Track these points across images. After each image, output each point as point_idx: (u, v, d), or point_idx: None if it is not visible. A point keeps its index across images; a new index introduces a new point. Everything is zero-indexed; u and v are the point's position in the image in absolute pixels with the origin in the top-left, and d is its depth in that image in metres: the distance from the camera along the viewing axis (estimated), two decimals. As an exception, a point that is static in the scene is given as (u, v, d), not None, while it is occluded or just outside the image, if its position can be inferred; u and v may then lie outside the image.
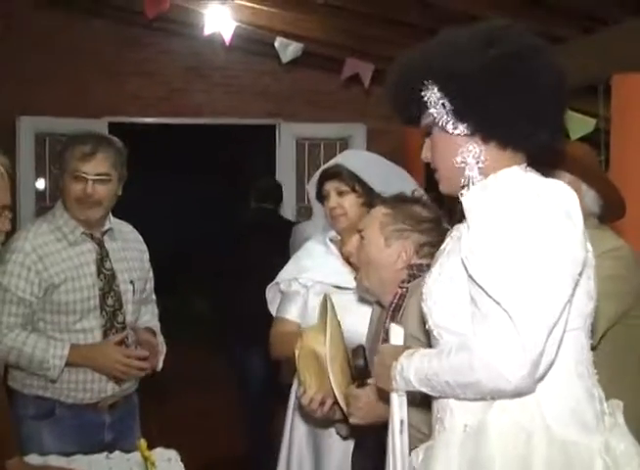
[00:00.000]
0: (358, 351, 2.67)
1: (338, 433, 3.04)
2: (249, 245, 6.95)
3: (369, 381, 2.62)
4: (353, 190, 3.28)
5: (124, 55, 8.67)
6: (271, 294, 3.54)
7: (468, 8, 5.50)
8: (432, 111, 2.07)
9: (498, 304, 1.85)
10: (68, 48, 8.46)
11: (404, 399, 2.21)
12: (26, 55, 8.33)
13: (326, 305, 2.83)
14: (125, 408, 3.49)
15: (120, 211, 3.55)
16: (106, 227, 3.45)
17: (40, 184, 8.48)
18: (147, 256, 3.66)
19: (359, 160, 3.41)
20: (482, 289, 1.88)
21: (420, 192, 2.97)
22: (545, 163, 2.23)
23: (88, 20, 8.47)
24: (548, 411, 1.96)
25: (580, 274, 1.95)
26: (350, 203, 3.27)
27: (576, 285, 1.93)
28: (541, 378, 1.90)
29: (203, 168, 12.88)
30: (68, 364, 3.26)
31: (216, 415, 7.34)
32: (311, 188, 3.48)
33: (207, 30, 6.93)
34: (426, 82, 2.06)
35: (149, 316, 3.66)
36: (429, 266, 2.32)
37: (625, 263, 2.92)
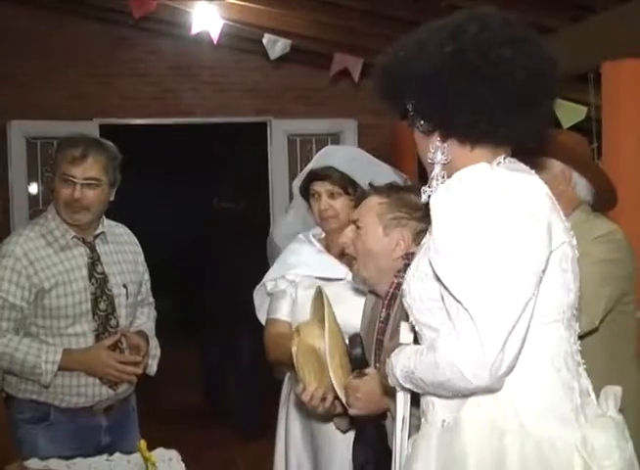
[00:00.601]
0: (355, 339, 2.67)
1: (337, 428, 3.03)
2: (209, 249, 7.15)
3: (367, 371, 2.62)
4: (346, 192, 3.28)
5: (113, 56, 8.64)
6: (259, 297, 3.53)
7: (458, 1, 5.49)
8: (408, 108, 2.10)
9: (460, 303, 1.86)
10: (57, 51, 8.44)
11: (408, 396, 2.21)
12: (15, 58, 8.31)
13: (320, 298, 2.82)
14: (122, 411, 3.48)
15: (114, 212, 3.53)
16: (98, 231, 3.43)
17: (33, 188, 8.47)
18: (142, 258, 3.64)
19: (347, 159, 3.39)
20: (446, 288, 1.90)
21: (410, 181, 2.97)
22: (530, 152, 2.21)
23: (77, 22, 8.44)
24: (522, 407, 1.96)
25: (544, 271, 1.94)
26: (342, 205, 3.28)
27: (540, 281, 1.92)
28: (505, 375, 1.89)
29: (194, 167, 12.85)
30: (60, 369, 3.25)
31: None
32: (297, 185, 3.47)
33: (195, 29, 6.91)
34: (401, 82, 2.07)
35: (144, 319, 3.64)
36: None
37: (619, 247, 2.94)
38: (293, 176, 8.67)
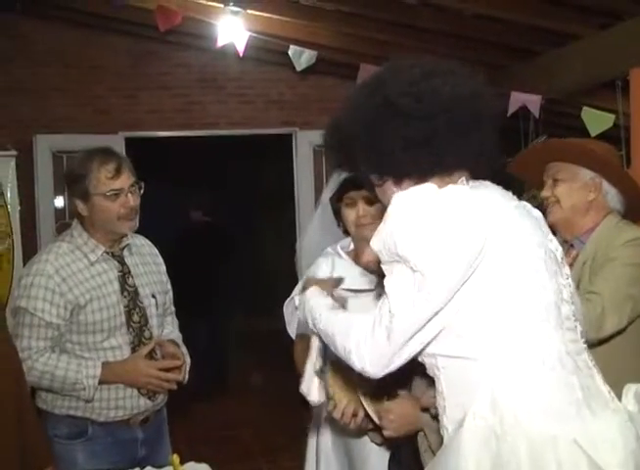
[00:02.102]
0: None
1: (372, 441, 3.02)
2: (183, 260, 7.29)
3: (400, 392, 2.62)
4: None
5: (139, 69, 8.69)
6: (288, 311, 3.49)
7: (483, 10, 5.48)
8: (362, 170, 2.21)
9: (387, 295, 2.00)
10: (82, 65, 8.50)
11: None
12: (41, 73, 8.38)
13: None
14: (156, 423, 3.49)
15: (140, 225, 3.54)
16: (124, 243, 3.45)
17: (59, 202, 8.50)
18: (164, 268, 3.65)
19: None
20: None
21: None
22: (492, 179, 2.24)
23: (102, 36, 8.50)
24: (520, 411, 1.98)
25: (467, 281, 2.00)
26: (378, 211, 3.25)
27: (452, 298, 1.99)
28: (390, 370, 2.03)
29: (221, 181, 12.87)
30: (100, 383, 3.25)
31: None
32: (327, 195, 3.45)
33: (221, 41, 6.94)
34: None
35: (170, 328, 3.65)
36: None
37: None
38: (318, 187, 8.69)
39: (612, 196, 3.06)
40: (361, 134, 2.09)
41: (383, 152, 2.07)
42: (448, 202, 2.02)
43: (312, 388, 2.52)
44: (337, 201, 3.36)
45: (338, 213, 3.39)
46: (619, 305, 2.86)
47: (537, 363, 2.02)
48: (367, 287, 3.22)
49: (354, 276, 3.30)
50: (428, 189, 2.06)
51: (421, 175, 2.09)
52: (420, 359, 2.13)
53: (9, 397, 2.66)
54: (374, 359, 2.00)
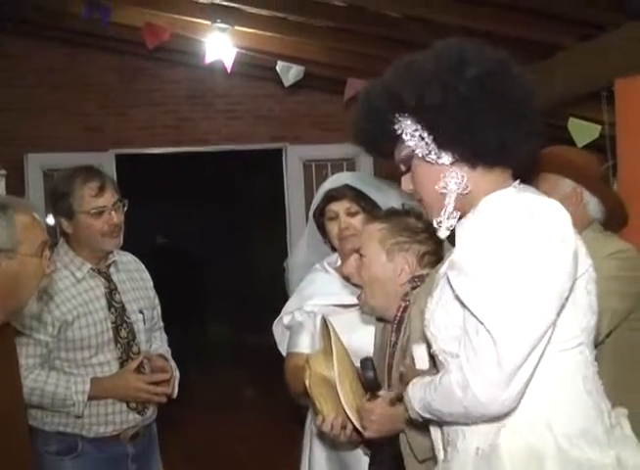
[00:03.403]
0: (367, 363, 2.65)
1: (365, 454, 3.01)
2: None
3: (380, 393, 2.61)
4: (364, 210, 3.27)
5: (128, 87, 8.72)
6: (279, 330, 3.51)
7: (467, 23, 5.51)
8: (409, 143, 2.03)
9: (481, 323, 1.84)
10: (72, 83, 8.54)
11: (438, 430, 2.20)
12: (31, 91, 8.40)
13: (326, 327, 2.81)
14: (146, 438, 3.49)
15: (130, 241, 3.55)
16: (110, 260, 3.47)
17: (50, 220, 8.48)
18: (151, 283, 3.67)
19: (360, 178, 3.41)
20: (468, 309, 1.88)
21: (409, 205, 2.95)
22: (528, 172, 2.20)
23: (91, 54, 8.54)
24: (559, 432, 1.94)
25: (569, 297, 1.93)
26: (360, 223, 3.25)
27: (563, 307, 1.91)
28: (514, 399, 1.87)
29: (212, 196, 12.90)
30: (90, 398, 3.26)
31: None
32: (312, 210, 3.47)
33: (209, 58, 6.97)
34: (397, 116, 2.02)
35: (159, 343, 3.67)
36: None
37: (630, 265, 2.95)
38: (309, 202, 8.70)
39: (593, 206, 3.06)
40: (445, 108, 1.93)
41: (471, 132, 1.93)
42: (544, 211, 1.93)
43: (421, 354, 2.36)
44: (319, 215, 3.38)
45: (322, 228, 3.40)
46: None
47: (579, 385, 1.99)
48: (354, 302, 3.23)
49: (341, 291, 3.32)
50: (520, 197, 1.96)
51: (491, 164, 2.01)
52: (445, 364, 2.06)
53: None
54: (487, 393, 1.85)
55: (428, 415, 2.07)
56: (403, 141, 2.04)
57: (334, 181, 3.41)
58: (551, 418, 1.94)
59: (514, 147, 1.98)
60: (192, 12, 6.83)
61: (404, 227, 2.73)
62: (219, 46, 6.86)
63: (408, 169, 2.11)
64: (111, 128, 8.66)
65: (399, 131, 2.03)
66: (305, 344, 3.33)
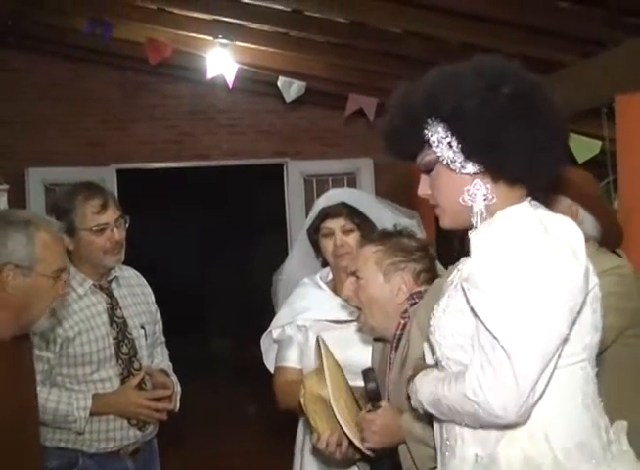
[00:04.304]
0: (368, 374, 2.66)
1: None
2: None
3: (381, 403, 2.61)
4: (359, 228, 3.29)
5: (130, 102, 8.76)
6: (266, 343, 3.51)
7: (468, 39, 5.53)
8: (436, 149, 2.04)
9: (496, 339, 1.85)
10: (74, 98, 8.58)
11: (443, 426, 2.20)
12: (33, 106, 8.43)
13: (319, 347, 2.83)
14: (147, 454, 3.49)
15: (132, 255, 3.56)
16: (112, 275, 3.47)
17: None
18: (152, 298, 3.66)
19: (355, 196, 3.43)
20: (482, 323, 1.89)
21: (402, 225, 2.97)
22: (548, 190, 2.22)
23: (94, 69, 8.57)
24: (557, 444, 1.95)
25: (580, 312, 1.95)
26: (355, 241, 3.26)
27: (574, 322, 1.93)
28: (530, 412, 1.89)
29: (213, 211, 12.90)
30: (92, 414, 3.26)
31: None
32: (307, 225, 3.48)
33: (210, 74, 6.99)
34: (430, 120, 2.03)
35: (160, 358, 3.66)
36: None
37: (623, 281, 2.95)
38: (310, 217, 8.73)
39: (588, 224, 3.06)
40: (480, 119, 1.94)
41: (501, 145, 1.94)
42: (558, 227, 1.96)
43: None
44: (314, 232, 3.39)
45: (316, 245, 3.41)
46: None
47: (578, 400, 2.00)
48: (347, 318, 3.24)
49: (334, 307, 3.32)
50: (535, 213, 1.99)
51: (515, 180, 2.02)
52: (447, 370, 2.07)
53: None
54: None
55: (433, 410, 2.07)
56: (430, 146, 2.05)
57: (329, 198, 3.42)
58: (550, 431, 1.95)
59: (540, 169, 2.00)
60: (194, 27, 6.86)
61: (399, 247, 2.75)
62: (221, 62, 6.89)
63: (427, 173, 2.13)
64: (112, 143, 8.69)
65: (429, 135, 2.04)
66: (294, 358, 3.34)
